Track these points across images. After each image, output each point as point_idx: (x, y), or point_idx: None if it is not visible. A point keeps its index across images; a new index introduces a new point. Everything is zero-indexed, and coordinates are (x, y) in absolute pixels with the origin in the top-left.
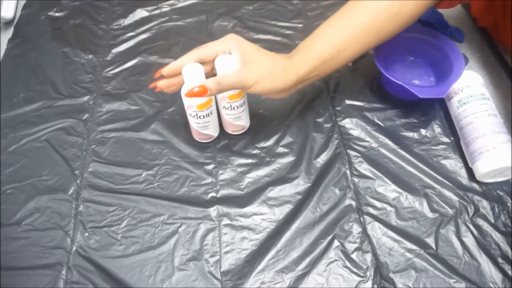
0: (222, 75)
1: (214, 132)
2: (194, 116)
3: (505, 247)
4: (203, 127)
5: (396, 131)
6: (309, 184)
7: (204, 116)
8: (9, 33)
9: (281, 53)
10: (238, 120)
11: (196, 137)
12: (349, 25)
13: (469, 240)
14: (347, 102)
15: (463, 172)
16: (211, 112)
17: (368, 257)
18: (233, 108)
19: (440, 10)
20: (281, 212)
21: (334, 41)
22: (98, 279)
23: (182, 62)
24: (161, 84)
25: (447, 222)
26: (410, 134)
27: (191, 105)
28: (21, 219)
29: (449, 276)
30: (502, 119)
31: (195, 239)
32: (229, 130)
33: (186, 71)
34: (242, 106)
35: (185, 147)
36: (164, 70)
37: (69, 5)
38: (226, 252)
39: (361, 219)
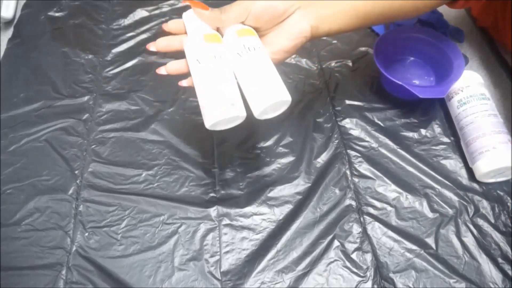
0: None
1: (235, 98)
2: (202, 60)
3: (505, 247)
4: (216, 83)
5: (396, 131)
6: (309, 184)
7: (215, 57)
8: (9, 33)
9: None
10: (262, 78)
11: (213, 111)
12: None
13: (469, 240)
14: (347, 102)
15: (463, 172)
16: (222, 56)
17: (368, 257)
18: (249, 49)
19: (440, 10)
20: (281, 212)
21: None
22: (98, 279)
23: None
24: (161, 44)
25: (447, 222)
26: (410, 134)
27: (196, 41)
28: (21, 219)
29: (449, 276)
30: (502, 119)
31: (195, 239)
32: (259, 106)
33: (188, 18)
34: (260, 48)
35: (185, 147)
36: (169, 23)
37: (69, 5)
38: (226, 252)
39: (361, 219)
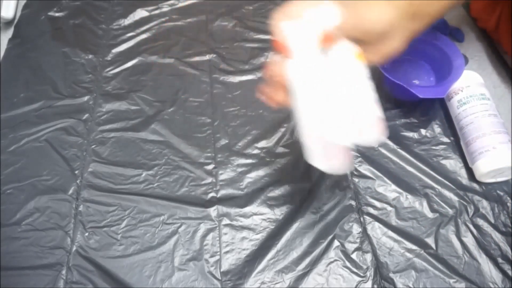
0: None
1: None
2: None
3: (505, 247)
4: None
5: (396, 131)
6: (309, 184)
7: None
8: (9, 33)
9: None
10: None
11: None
12: None
13: (469, 240)
14: None
15: (463, 172)
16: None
17: (368, 257)
18: (366, 77)
19: None
20: (281, 212)
21: None
22: (98, 279)
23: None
24: (269, 96)
25: (447, 222)
26: (410, 134)
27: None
28: (21, 219)
29: (449, 276)
30: (502, 119)
31: (195, 239)
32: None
33: (288, 29)
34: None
35: (185, 147)
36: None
37: (69, 5)
38: (226, 252)
39: (361, 219)
